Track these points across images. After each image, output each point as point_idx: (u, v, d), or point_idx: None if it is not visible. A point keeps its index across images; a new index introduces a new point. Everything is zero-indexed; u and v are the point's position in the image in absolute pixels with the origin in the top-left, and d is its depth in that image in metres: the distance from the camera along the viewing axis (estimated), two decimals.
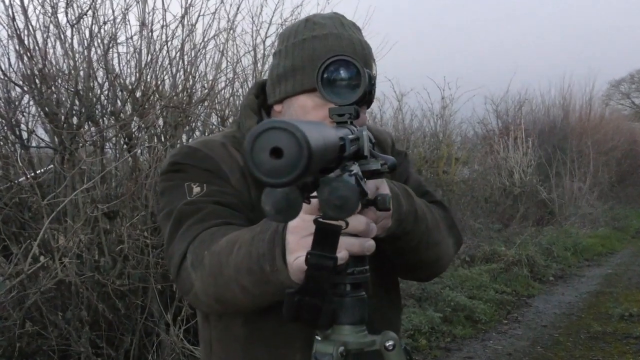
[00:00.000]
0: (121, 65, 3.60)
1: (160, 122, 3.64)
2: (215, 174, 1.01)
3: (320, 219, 0.63)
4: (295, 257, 0.71)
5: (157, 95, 3.57)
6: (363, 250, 0.71)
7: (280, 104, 1.06)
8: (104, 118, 3.44)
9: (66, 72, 3.27)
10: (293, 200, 0.56)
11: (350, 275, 0.72)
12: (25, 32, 3.14)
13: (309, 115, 1.02)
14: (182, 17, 3.73)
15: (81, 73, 3.28)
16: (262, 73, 4.22)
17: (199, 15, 3.96)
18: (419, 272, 1.07)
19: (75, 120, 3.25)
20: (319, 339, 0.74)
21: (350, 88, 0.77)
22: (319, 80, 0.76)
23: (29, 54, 3.10)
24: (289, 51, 1.04)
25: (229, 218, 0.94)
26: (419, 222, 0.94)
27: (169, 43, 3.68)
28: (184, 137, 3.78)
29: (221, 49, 4.09)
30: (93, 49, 3.37)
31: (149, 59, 3.58)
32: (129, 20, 3.56)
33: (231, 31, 4.14)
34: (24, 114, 3.31)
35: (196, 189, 0.98)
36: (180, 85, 3.75)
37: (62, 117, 3.17)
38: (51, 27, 3.25)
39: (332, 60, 0.77)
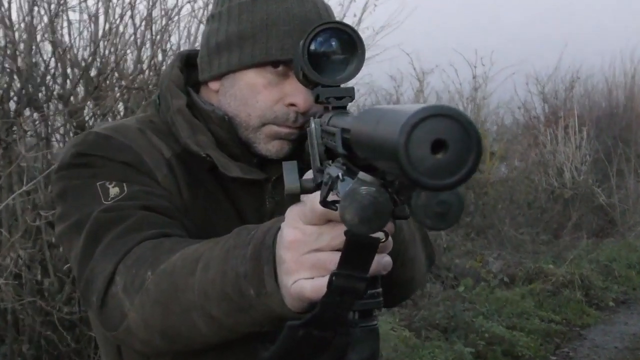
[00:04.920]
0: (72, 36, 3.60)
1: (121, 107, 3.63)
2: (136, 168, 0.99)
3: None
4: (295, 280, 0.69)
5: (117, 74, 3.55)
6: (379, 269, 0.70)
7: (219, 81, 1.05)
8: (50, 102, 3.43)
9: (2, 45, 3.25)
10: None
11: (360, 300, 0.71)
12: None
13: (259, 95, 1.01)
14: None
15: (21, 46, 3.26)
16: None
17: None
18: (389, 295, 1.07)
19: (12, 105, 3.24)
20: None
21: (342, 64, 0.77)
22: (305, 53, 0.75)
23: None
24: (233, 14, 1.02)
25: (165, 227, 0.92)
26: (396, 233, 0.93)
27: (133, 8, 3.67)
28: None
29: (198, 16, 4.07)
30: (37, 16, 3.36)
31: (107, 28, 3.56)
32: None
33: None
34: None
35: (113, 190, 0.95)
36: (146, 62, 3.74)
37: None
38: None
39: (322, 28, 0.76)
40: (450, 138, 0.44)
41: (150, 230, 0.90)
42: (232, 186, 1.05)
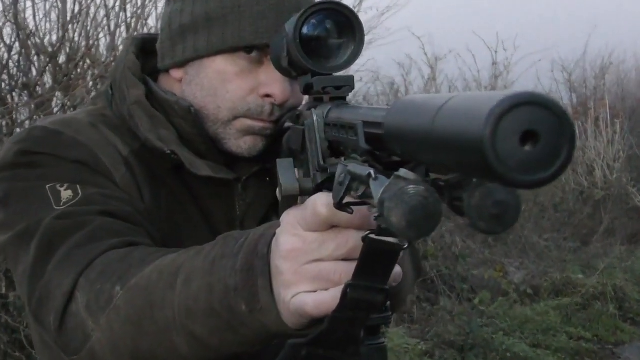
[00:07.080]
0: (37, 18, 3.59)
1: None
2: (91, 168, 0.98)
3: (372, 236, 0.62)
4: (294, 294, 0.69)
5: (89, 61, 3.55)
6: (390, 280, 0.69)
7: (182, 69, 1.04)
8: (14, 93, 3.43)
9: None
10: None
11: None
12: None
13: (230, 85, 1.00)
14: None
15: None
16: None
17: None
18: None
19: None
20: None
21: (338, 50, 0.77)
22: (297, 37, 0.75)
23: None
24: None
25: (129, 235, 0.91)
26: None
27: None
28: None
29: None
30: None
31: (76, 9, 3.56)
32: None
33: None
34: None
35: (66, 193, 0.94)
36: (120, 47, 3.74)
37: None
38: None
39: (317, 9, 0.76)
40: (542, 129, 0.45)
41: (113, 238, 0.89)
42: (197, 187, 1.04)
